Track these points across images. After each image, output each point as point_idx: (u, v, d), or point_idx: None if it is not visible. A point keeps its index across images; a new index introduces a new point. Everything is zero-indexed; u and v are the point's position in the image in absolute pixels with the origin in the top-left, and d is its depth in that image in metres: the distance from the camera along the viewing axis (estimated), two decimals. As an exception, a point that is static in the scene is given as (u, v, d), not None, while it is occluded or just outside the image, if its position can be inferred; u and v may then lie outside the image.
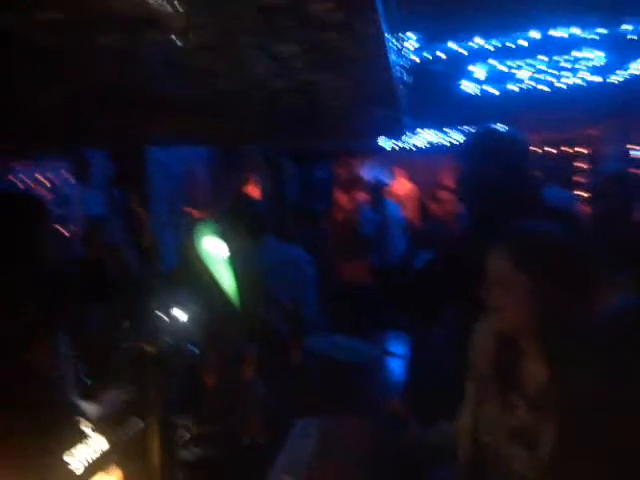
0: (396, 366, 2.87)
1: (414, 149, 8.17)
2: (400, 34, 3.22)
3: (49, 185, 5.31)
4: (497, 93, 5.36)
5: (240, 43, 1.73)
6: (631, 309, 1.04)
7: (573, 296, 1.29)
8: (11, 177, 4.49)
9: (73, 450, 1.27)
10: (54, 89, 2.41)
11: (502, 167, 2.03)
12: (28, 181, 5.03)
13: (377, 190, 5.54)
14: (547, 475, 1.21)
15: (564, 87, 5.15)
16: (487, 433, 1.46)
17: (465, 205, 2.40)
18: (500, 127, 2.20)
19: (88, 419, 1.43)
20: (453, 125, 7.28)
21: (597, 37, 3.95)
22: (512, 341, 1.43)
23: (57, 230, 4.20)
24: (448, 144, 7.82)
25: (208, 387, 2.12)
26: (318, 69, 2.14)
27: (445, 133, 7.78)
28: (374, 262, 5.43)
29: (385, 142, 7.83)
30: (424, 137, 7.86)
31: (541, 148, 7.32)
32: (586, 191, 6.93)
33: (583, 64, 4.65)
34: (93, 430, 1.39)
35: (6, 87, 2.27)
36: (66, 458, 1.24)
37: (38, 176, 5.19)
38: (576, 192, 6.83)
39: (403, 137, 7.49)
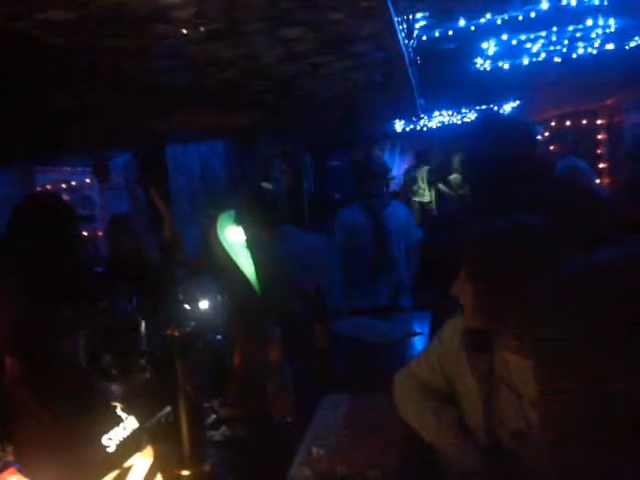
0: (421, 346, 2.88)
1: (429, 131, 8.10)
2: (409, 16, 3.21)
3: (70, 188, 5.40)
4: (510, 68, 5.27)
5: (247, 29, 1.74)
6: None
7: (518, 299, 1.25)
8: (33, 181, 4.57)
9: (110, 433, 1.31)
10: (67, 90, 2.45)
11: (503, 149, 2.08)
12: (49, 185, 5.12)
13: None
14: None
15: (578, 58, 5.05)
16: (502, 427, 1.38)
17: (470, 187, 2.44)
18: (502, 111, 2.26)
19: (120, 403, 1.47)
20: (469, 104, 7.20)
21: (607, 2, 3.85)
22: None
23: (83, 230, 4.28)
24: (463, 124, 7.74)
25: (234, 369, 2.16)
26: (326, 52, 2.15)
27: (461, 113, 7.69)
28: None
29: (401, 125, 7.78)
30: (440, 119, 7.79)
31: (561, 122, 7.20)
32: (606, 162, 6.82)
33: (596, 32, 4.55)
34: (126, 413, 1.43)
35: (23, 89, 2.32)
36: (104, 441, 1.28)
37: (59, 179, 5.28)
38: (600, 165, 6.73)
39: (419, 119, 7.43)
